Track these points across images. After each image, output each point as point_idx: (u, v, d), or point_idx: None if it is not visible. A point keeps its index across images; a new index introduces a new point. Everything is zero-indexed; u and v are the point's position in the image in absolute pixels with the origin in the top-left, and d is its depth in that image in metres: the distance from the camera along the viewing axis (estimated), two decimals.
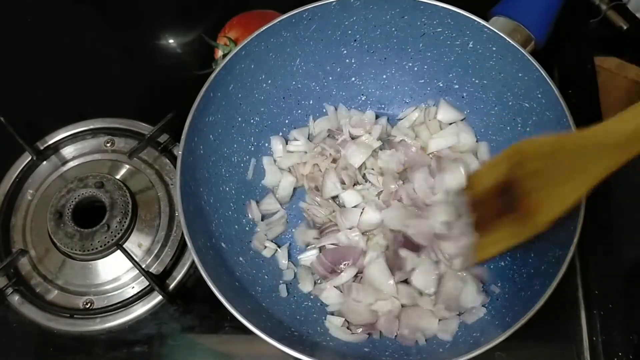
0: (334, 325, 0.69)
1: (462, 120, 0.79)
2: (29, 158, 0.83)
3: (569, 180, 0.57)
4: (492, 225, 0.66)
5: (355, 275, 0.71)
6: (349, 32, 0.76)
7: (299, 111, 0.81)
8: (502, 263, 0.71)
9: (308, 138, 0.81)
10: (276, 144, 0.80)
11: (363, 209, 0.74)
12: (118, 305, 0.74)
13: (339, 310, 0.70)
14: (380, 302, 0.69)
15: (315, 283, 0.73)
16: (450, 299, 0.68)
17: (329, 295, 0.71)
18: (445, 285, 0.68)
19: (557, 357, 0.71)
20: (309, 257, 0.74)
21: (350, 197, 0.75)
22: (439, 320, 0.68)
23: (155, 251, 0.77)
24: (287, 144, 0.80)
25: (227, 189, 0.75)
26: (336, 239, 0.73)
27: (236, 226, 0.74)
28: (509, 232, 0.64)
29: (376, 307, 0.69)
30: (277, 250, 0.75)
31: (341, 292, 0.70)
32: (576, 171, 0.57)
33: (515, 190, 0.63)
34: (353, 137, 0.78)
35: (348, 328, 0.69)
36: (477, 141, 0.78)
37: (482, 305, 0.68)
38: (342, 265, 0.71)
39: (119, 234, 0.76)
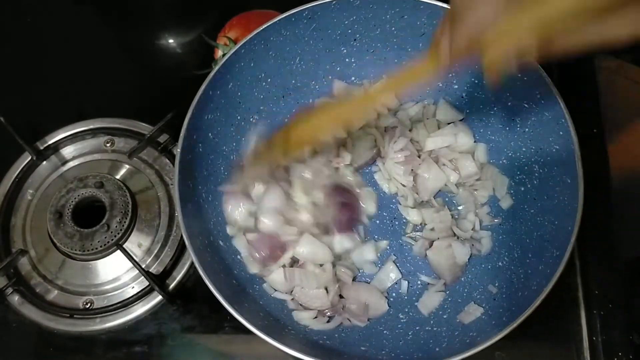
0: (305, 319, 0.68)
1: (460, 120, 0.79)
2: (29, 158, 0.83)
3: None
4: None
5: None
6: (349, 31, 0.76)
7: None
8: (500, 263, 0.71)
9: None
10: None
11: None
12: (118, 305, 0.75)
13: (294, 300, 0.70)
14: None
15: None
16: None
17: (275, 278, 0.70)
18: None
19: (557, 357, 0.71)
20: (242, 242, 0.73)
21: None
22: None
23: (155, 251, 0.77)
24: None
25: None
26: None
27: None
28: None
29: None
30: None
31: (285, 278, 0.70)
32: None
33: None
34: None
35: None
36: (475, 142, 0.78)
37: (480, 306, 0.68)
38: (277, 252, 0.70)
39: (118, 234, 0.76)
